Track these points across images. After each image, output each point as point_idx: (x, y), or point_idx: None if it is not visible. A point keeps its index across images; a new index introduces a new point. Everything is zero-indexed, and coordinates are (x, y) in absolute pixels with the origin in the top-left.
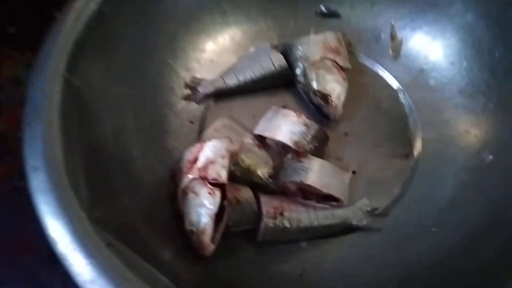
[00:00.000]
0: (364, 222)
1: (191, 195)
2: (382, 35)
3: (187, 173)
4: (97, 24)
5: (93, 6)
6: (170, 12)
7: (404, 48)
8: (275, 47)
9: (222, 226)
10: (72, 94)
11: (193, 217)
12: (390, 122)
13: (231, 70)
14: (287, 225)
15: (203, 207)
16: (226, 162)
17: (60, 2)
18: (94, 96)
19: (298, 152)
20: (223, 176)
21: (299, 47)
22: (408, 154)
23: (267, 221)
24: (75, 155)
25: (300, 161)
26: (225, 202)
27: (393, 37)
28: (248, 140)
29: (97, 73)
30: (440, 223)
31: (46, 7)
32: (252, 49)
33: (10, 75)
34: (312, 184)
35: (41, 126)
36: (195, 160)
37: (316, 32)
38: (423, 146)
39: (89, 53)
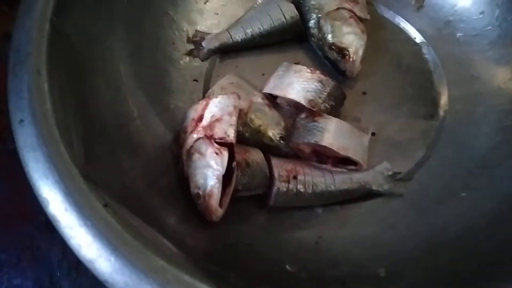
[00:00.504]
0: (385, 187)
1: (196, 156)
2: None
3: (192, 132)
4: None
5: None
6: None
7: None
8: None
9: (230, 190)
10: (61, 41)
11: (199, 179)
12: (412, 79)
13: (238, 23)
14: (301, 189)
15: (210, 168)
16: (233, 119)
17: None
18: (85, 45)
19: (312, 111)
20: (231, 134)
21: None
22: (432, 114)
23: (280, 185)
24: (66, 107)
25: (315, 121)
26: (234, 164)
27: None
28: (258, 99)
29: (89, 20)
30: (469, 187)
31: None
32: (260, 0)
33: (1, 31)
34: (328, 146)
35: (28, 74)
36: (200, 118)
37: None
38: (450, 105)
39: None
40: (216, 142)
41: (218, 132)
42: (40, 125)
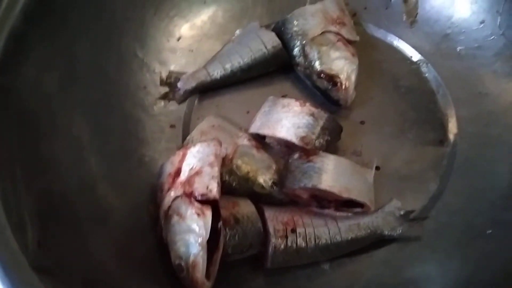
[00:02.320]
0: (399, 230)
1: (175, 219)
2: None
3: (169, 190)
4: (38, 10)
5: None
6: None
7: (421, 11)
8: (266, 27)
9: (218, 255)
10: (9, 101)
11: (180, 247)
12: (414, 102)
13: (216, 58)
14: (302, 244)
15: (192, 233)
16: (215, 170)
17: None
18: (39, 101)
19: (306, 150)
20: (214, 189)
21: (294, 21)
22: (442, 139)
23: (276, 242)
24: (15, 181)
25: (310, 161)
26: (220, 224)
27: None
28: (244, 141)
29: (44, 72)
30: (496, 223)
31: None
32: (238, 32)
33: None
34: (328, 189)
35: None
36: (177, 173)
37: (312, 2)
38: (459, 127)
39: (28, 47)
40: (197, 201)
41: (199, 188)
42: None
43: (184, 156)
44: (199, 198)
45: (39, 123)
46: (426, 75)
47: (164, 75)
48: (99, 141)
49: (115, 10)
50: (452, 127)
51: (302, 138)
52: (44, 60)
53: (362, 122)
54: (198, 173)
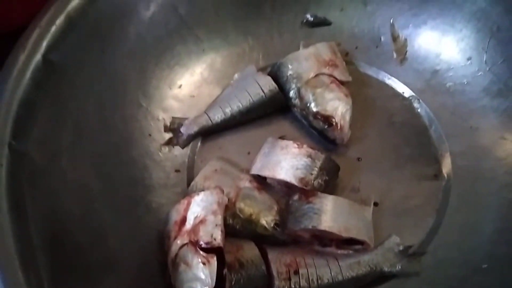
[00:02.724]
0: (398, 266)
1: (182, 267)
2: (382, 38)
3: (176, 238)
4: (46, 77)
5: (38, 56)
6: (134, 45)
7: (410, 49)
8: (262, 70)
9: None
10: (22, 164)
11: None
12: (408, 137)
13: (216, 103)
14: (305, 285)
15: (198, 282)
16: (219, 218)
17: None
18: (48, 162)
19: (305, 191)
20: (218, 237)
21: (289, 65)
22: (436, 173)
23: (280, 285)
24: (31, 242)
25: (310, 202)
26: (225, 271)
27: (395, 38)
28: (245, 183)
29: (53, 135)
30: (491, 257)
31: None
32: (236, 76)
33: None
34: (328, 229)
35: None
36: (183, 221)
37: (306, 46)
38: (453, 161)
39: (40, 113)
40: (203, 249)
41: (203, 237)
42: (5, 271)
43: (188, 204)
44: (204, 246)
45: (50, 180)
46: (419, 110)
47: (167, 121)
48: (108, 191)
49: (117, 66)
50: (446, 162)
51: (301, 180)
52: (53, 121)
53: (359, 159)
54: (202, 221)
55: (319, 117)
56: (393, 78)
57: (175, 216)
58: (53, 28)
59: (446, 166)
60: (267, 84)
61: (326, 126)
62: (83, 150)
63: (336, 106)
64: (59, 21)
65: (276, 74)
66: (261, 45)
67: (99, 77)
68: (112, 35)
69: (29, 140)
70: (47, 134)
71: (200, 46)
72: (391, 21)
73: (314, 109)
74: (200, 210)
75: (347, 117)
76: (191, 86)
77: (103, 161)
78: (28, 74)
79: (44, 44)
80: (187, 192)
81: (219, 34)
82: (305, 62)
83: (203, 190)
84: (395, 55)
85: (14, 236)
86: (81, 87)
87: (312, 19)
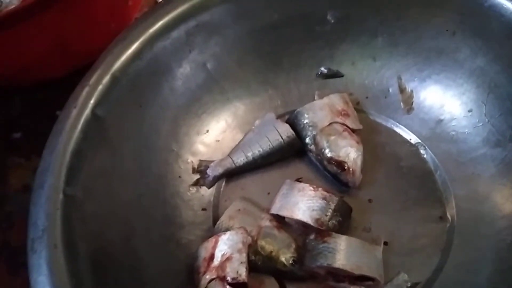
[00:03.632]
0: None
1: None
2: (391, 89)
3: (205, 273)
4: (93, 129)
5: (87, 111)
6: (167, 98)
7: (416, 100)
8: (281, 117)
9: None
10: (74, 207)
11: None
12: (415, 181)
13: (239, 147)
14: None
15: None
16: (243, 256)
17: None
18: (97, 204)
19: (321, 231)
20: (243, 274)
21: (305, 114)
22: (441, 215)
23: None
24: (82, 276)
25: (325, 242)
26: None
27: (402, 90)
28: (266, 222)
29: (98, 179)
30: None
31: (49, 108)
32: (257, 122)
33: (19, 184)
34: (342, 267)
35: (46, 249)
36: (211, 257)
37: (320, 96)
38: (457, 205)
39: (88, 160)
40: (229, 284)
41: (230, 273)
42: None
43: (216, 243)
44: (231, 281)
45: (96, 220)
46: (425, 156)
47: (195, 164)
48: (145, 228)
49: (153, 117)
50: (450, 205)
51: (317, 220)
52: (98, 167)
53: (370, 201)
54: (229, 259)
55: (333, 162)
56: (401, 126)
57: (204, 253)
58: (100, 87)
59: (451, 209)
60: (286, 131)
61: (339, 171)
62: (125, 191)
63: (349, 152)
64: (105, 80)
65: (293, 122)
66: (280, 95)
67: (137, 127)
68: (148, 90)
69: (78, 185)
70: (94, 179)
71: (225, 96)
72: (398, 74)
73: (328, 155)
74: (226, 248)
75: (359, 162)
76: (216, 131)
77: (141, 201)
78: (79, 127)
79: (92, 101)
80: (212, 229)
81: (242, 85)
82: (320, 112)
83: (228, 229)
84: (402, 105)
85: (68, 271)
86: (122, 137)
87: (326, 71)
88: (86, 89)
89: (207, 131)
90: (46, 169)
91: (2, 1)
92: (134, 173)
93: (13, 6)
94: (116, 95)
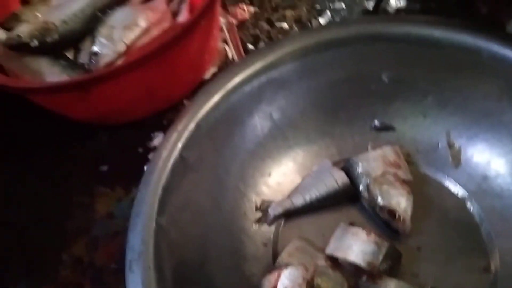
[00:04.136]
0: None
1: None
2: (440, 144)
3: None
4: (179, 169)
5: (175, 153)
6: (238, 143)
7: (464, 156)
8: (336, 164)
9: None
10: (162, 235)
11: None
12: (461, 233)
13: (298, 190)
14: None
15: None
16: None
17: (143, 139)
18: (179, 233)
19: (372, 274)
20: None
21: (360, 163)
22: (486, 267)
23: None
24: None
25: (376, 284)
26: None
27: (450, 145)
28: (322, 261)
29: (181, 211)
30: None
31: (132, 144)
32: (314, 168)
33: (104, 211)
34: None
35: (141, 270)
36: None
37: (373, 147)
38: (501, 258)
39: (174, 194)
40: None
41: None
42: None
43: (278, 276)
44: None
45: (179, 248)
46: (471, 209)
47: (258, 203)
48: (216, 259)
49: (225, 160)
50: (494, 257)
51: (369, 263)
52: (181, 201)
53: (418, 249)
54: None
55: (385, 210)
56: (449, 179)
57: (267, 285)
58: (186, 133)
59: (495, 261)
60: (341, 178)
61: (390, 218)
62: (201, 223)
63: (399, 201)
64: (190, 127)
65: (348, 170)
66: (336, 144)
67: (212, 168)
68: (223, 136)
69: (166, 216)
70: (178, 211)
71: (287, 143)
72: (447, 131)
73: (381, 203)
74: (288, 282)
75: (409, 212)
76: (278, 174)
77: (214, 232)
78: (169, 166)
79: (180, 145)
80: (271, 264)
81: (302, 134)
82: (373, 162)
83: (288, 265)
84: (451, 160)
85: None
86: (200, 176)
87: (379, 125)
88: (175, 135)
89: (270, 173)
90: (142, 200)
91: (99, 52)
92: (208, 207)
93: (108, 58)
94: (198, 140)
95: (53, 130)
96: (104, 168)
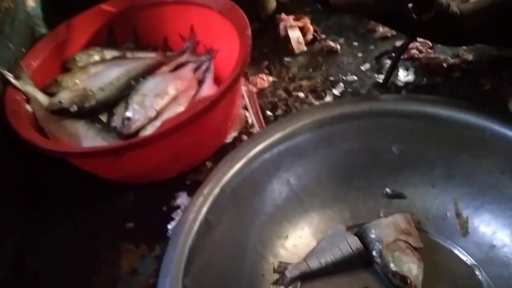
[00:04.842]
0: None
1: None
2: (448, 214)
3: None
4: (204, 231)
5: (201, 216)
6: (257, 207)
7: (471, 225)
8: (350, 229)
9: None
10: None
11: None
12: None
13: (313, 254)
14: None
15: None
16: None
17: (167, 198)
18: None
19: None
20: None
21: (373, 230)
22: None
23: None
24: None
25: None
26: None
27: (458, 215)
28: None
29: (204, 271)
30: None
31: (157, 203)
32: (329, 232)
33: (129, 267)
34: None
35: None
36: None
37: (385, 214)
38: None
39: (198, 256)
40: None
41: None
42: None
43: None
44: None
45: None
46: (479, 277)
47: (275, 265)
48: None
49: (244, 222)
50: None
51: None
52: (204, 262)
53: None
54: None
55: (397, 276)
56: (458, 247)
57: None
58: (211, 197)
59: None
60: (355, 243)
61: (402, 284)
62: (222, 283)
63: (411, 268)
64: (215, 191)
65: (361, 235)
66: (349, 209)
67: (233, 231)
68: (244, 200)
69: (190, 277)
70: (202, 271)
71: (303, 207)
72: (455, 201)
73: (393, 269)
74: None
75: (420, 278)
76: (294, 237)
77: None
78: (195, 229)
79: (205, 209)
80: None
81: (318, 199)
82: (386, 229)
83: None
84: (459, 228)
85: None
86: (222, 237)
87: (390, 192)
88: (201, 199)
89: (287, 236)
90: (169, 262)
91: (131, 117)
92: (229, 268)
93: (140, 122)
94: (221, 203)
95: (84, 187)
96: (130, 225)
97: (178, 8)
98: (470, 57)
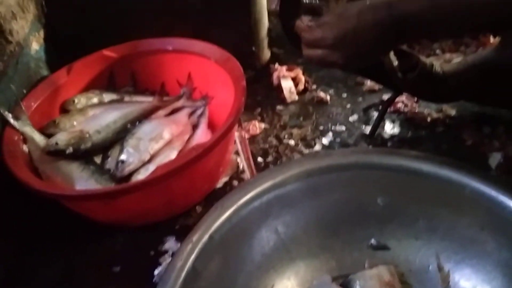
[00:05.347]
0: None
1: None
2: (430, 267)
3: None
4: (191, 279)
5: (189, 263)
6: (245, 254)
7: (452, 280)
8: (336, 279)
9: None
10: None
11: None
12: None
13: None
14: None
15: None
16: None
17: (155, 243)
18: None
19: None
20: None
21: (357, 281)
22: None
23: None
24: None
25: None
26: None
27: (440, 268)
28: None
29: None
30: None
31: (146, 247)
32: (315, 283)
33: None
34: None
35: None
36: None
37: (370, 264)
38: None
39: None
40: None
41: None
42: None
43: None
44: None
45: None
46: None
47: None
48: None
49: (232, 270)
50: None
51: None
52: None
53: None
54: None
55: None
56: None
57: None
58: (200, 244)
59: None
60: None
61: None
62: None
63: None
64: (204, 239)
65: (346, 287)
66: (335, 258)
67: (220, 278)
68: (232, 247)
69: None
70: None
71: (290, 256)
72: (437, 254)
73: None
74: None
75: None
76: (280, 286)
77: None
78: (182, 277)
79: (193, 256)
80: None
81: (305, 248)
82: (370, 281)
83: None
84: (440, 282)
85: None
86: (208, 286)
87: (375, 243)
88: (190, 246)
89: (273, 286)
90: None
91: (125, 160)
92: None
93: (133, 166)
94: (209, 251)
95: (75, 227)
96: (117, 269)
97: (178, 57)
98: (453, 112)
